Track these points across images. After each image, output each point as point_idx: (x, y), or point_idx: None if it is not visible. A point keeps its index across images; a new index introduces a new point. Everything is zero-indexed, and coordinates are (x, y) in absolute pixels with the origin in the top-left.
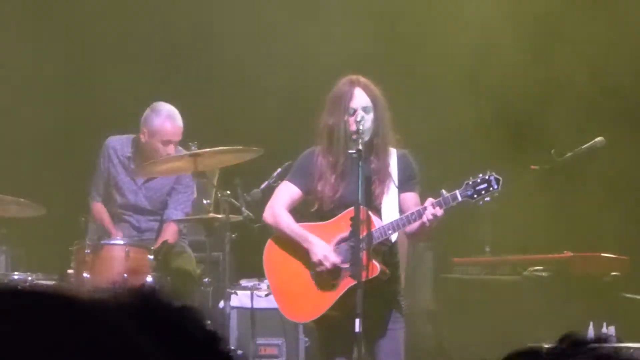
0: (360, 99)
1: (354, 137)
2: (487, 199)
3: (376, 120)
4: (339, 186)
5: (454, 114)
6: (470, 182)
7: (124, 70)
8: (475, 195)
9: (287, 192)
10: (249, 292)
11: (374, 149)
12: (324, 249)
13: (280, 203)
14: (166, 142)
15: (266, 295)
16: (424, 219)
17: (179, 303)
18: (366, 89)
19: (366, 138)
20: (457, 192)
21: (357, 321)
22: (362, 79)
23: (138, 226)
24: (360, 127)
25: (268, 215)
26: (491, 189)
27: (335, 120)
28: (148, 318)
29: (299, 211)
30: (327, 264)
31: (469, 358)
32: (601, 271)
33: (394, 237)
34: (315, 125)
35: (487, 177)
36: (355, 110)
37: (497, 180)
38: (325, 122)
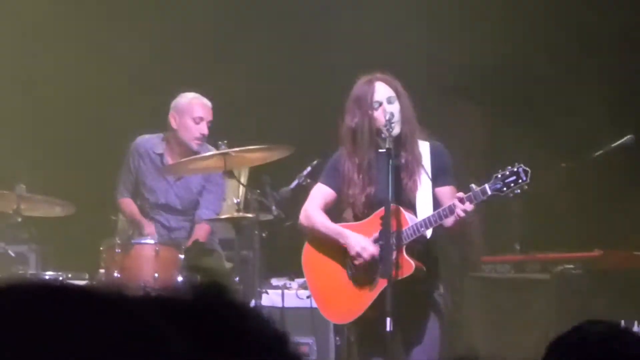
0: (382, 91)
1: (384, 131)
2: (517, 191)
3: (402, 110)
4: (368, 186)
5: (480, 109)
6: (499, 175)
7: (154, 70)
8: (505, 189)
9: (320, 194)
10: (279, 291)
11: (403, 141)
12: (361, 240)
13: (314, 204)
14: (198, 120)
15: (308, 297)
16: (455, 214)
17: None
18: (386, 81)
19: (397, 130)
20: (487, 185)
21: (388, 320)
22: (380, 74)
23: (168, 225)
24: (390, 118)
25: (303, 217)
26: (520, 181)
27: (358, 120)
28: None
29: (334, 218)
30: (366, 255)
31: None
32: (632, 268)
33: (429, 233)
34: (338, 128)
35: (515, 170)
36: (380, 103)
37: (526, 172)
38: (348, 124)
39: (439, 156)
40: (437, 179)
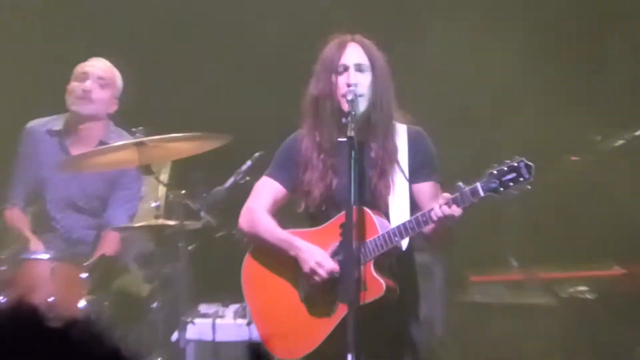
0: (353, 54)
1: (342, 103)
2: (516, 192)
3: (375, 85)
4: (330, 173)
5: (475, 87)
6: (495, 172)
7: (53, 45)
8: (502, 188)
9: (267, 191)
10: (210, 321)
11: (372, 127)
12: (317, 253)
13: (259, 205)
14: (81, 77)
15: (248, 324)
16: (436, 220)
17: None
18: (362, 45)
19: (361, 108)
20: (478, 184)
21: (350, 357)
22: (358, 36)
23: (68, 236)
24: (354, 90)
25: (243, 220)
26: (521, 179)
27: (322, 87)
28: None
29: (287, 214)
30: (323, 273)
31: None
32: None
33: (404, 244)
34: (301, 103)
35: (515, 164)
36: (346, 68)
37: (528, 168)
38: (311, 91)
39: (418, 144)
40: (416, 174)
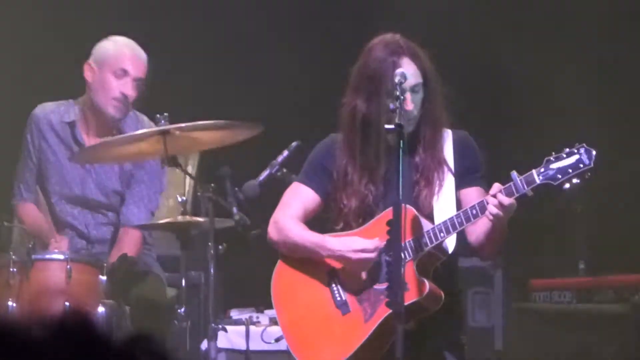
0: (409, 77)
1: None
2: (576, 180)
3: (427, 102)
4: (376, 198)
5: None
6: (552, 158)
7: (66, 23)
8: (560, 176)
9: (297, 199)
10: (243, 328)
11: (420, 137)
12: (350, 242)
13: (289, 213)
14: (121, 73)
15: (277, 340)
16: (487, 213)
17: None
18: (415, 58)
19: (411, 128)
20: (534, 171)
21: None
22: (405, 43)
23: (86, 233)
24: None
25: (273, 230)
26: (581, 165)
27: (372, 106)
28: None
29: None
30: (369, 255)
31: None
32: None
33: (450, 246)
34: (339, 106)
35: (575, 150)
36: (404, 93)
37: (589, 153)
38: (356, 106)
39: (465, 149)
40: (463, 179)
